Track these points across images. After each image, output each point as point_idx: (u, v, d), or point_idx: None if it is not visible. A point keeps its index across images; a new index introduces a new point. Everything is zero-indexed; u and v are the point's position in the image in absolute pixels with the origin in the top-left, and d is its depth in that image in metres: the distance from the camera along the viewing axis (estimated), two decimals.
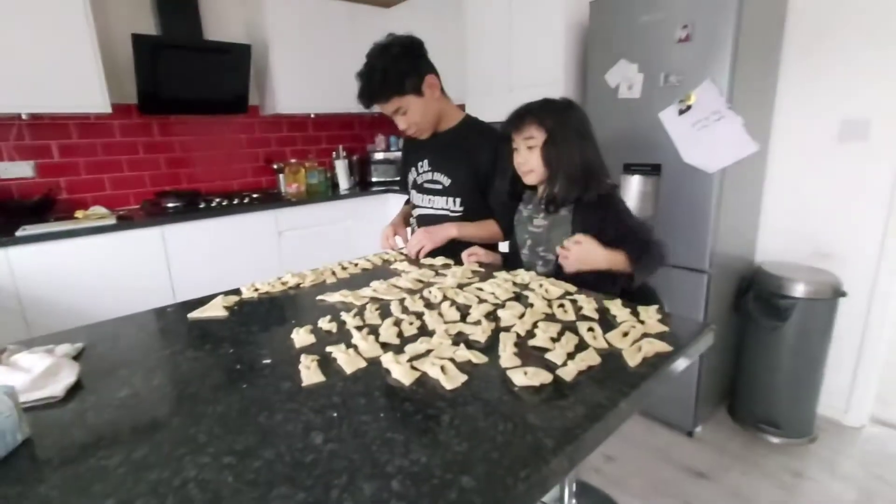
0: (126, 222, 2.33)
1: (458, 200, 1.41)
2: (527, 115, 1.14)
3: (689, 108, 1.69)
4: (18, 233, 2.05)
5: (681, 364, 0.77)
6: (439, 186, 1.43)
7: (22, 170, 2.45)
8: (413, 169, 1.49)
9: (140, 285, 2.35)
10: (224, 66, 2.79)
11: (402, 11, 3.29)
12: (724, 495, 1.64)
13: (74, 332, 0.93)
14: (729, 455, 1.83)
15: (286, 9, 2.92)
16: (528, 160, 1.15)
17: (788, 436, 1.88)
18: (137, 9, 2.66)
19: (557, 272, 1.15)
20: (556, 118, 1.13)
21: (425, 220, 1.48)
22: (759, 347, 1.88)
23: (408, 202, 1.65)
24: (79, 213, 2.40)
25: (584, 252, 1.05)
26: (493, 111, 2.43)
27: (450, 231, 1.36)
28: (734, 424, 2.01)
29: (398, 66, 1.25)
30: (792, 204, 1.98)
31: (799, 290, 1.75)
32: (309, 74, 3.09)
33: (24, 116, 2.32)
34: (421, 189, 1.48)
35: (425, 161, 1.46)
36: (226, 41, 2.90)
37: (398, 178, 3.41)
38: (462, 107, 1.52)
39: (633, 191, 1.91)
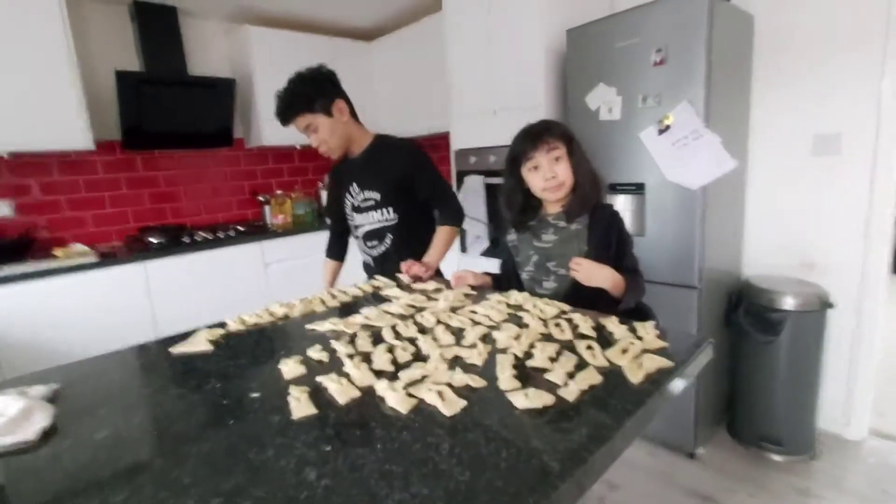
0: (107, 259, 2.27)
1: (390, 209, 1.54)
2: (544, 131, 1.16)
3: (668, 128, 1.73)
4: None
5: (683, 380, 0.76)
6: (372, 202, 1.55)
7: (0, 210, 2.39)
8: (347, 194, 1.62)
9: (122, 323, 2.27)
10: (209, 101, 2.80)
11: (384, 44, 3.37)
12: None
13: (49, 373, 0.89)
14: (733, 476, 1.79)
15: (270, 43, 2.98)
16: (558, 172, 1.15)
17: (790, 452, 1.85)
18: (121, 45, 2.69)
19: (569, 287, 1.16)
20: (566, 129, 1.18)
21: (367, 237, 1.62)
22: (753, 363, 1.88)
23: (327, 258, 1.81)
24: (58, 252, 2.33)
25: (594, 267, 1.09)
26: (478, 134, 2.49)
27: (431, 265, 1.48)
28: (735, 443, 1.98)
29: (308, 87, 1.42)
30: (773, 217, 2.02)
31: (788, 302, 1.76)
32: None
33: (4, 156, 2.28)
34: (359, 209, 1.60)
35: (354, 184, 1.58)
36: (210, 76, 2.94)
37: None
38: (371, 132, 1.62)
39: (619, 210, 1.92)
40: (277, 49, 3.00)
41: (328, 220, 1.78)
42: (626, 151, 1.85)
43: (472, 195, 2.48)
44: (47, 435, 0.67)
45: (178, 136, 2.81)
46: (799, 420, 1.85)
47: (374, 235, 1.58)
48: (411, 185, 1.51)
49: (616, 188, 1.92)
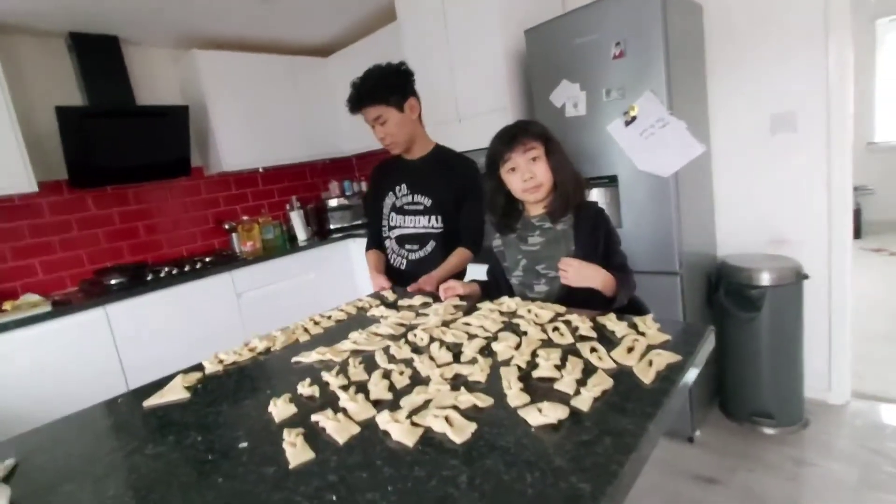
0: (63, 307, 2.11)
1: (439, 218, 1.53)
2: (519, 132, 1.13)
3: (634, 118, 1.75)
4: None
5: (693, 372, 0.74)
6: (421, 207, 1.54)
7: None
8: (391, 193, 1.60)
9: (88, 376, 2.12)
10: (161, 130, 2.67)
11: (341, 59, 3.32)
12: (737, 498, 1.60)
13: (3, 446, 0.79)
14: (731, 454, 1.81)
15: (221, 66, 2.87)
16: (535, 173, 1.13)
17: (782, 424, 1.88)
18: (60, 80, 2.53)
19: (560, 289, 1.13)
20: (543, 129, 1.16)
21: (406, 239, 1.59)
22: (738, 340, 1.91)
23: (370, 249, 1.70)
24: (7, 305, 2.15)
25: (583, 267, 1.06)
26: (445, 142, 2.43)
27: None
28: (729, 422, 2.00)
29: (387, 80, 1.44)
30: (741, 197, 2.07)
31: (765, 278, 1.80)
32: (253, 129, 3.02)
33: None
34: (401, 211, 1.59)
35: (403, 185, 1.57)
36: (161, 104, 2.81)
37: (357, 223, 3.34)
38: None
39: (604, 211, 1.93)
40: (230, 72, 2.90)
41: (366, 216, 1.76)
42: (596, 145, 1.86)
43: None
44: None
45: (131, 169, 2.66)
46: (787, 392, 1.89)
47: (416, 239, 1.57)
48: (461, 200, 1.52)
49: (590, 182, 1.92)
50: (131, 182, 2.76)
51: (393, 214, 1.61)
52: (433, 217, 1.53)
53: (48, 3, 2.14)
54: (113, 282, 2.41)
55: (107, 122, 2.47)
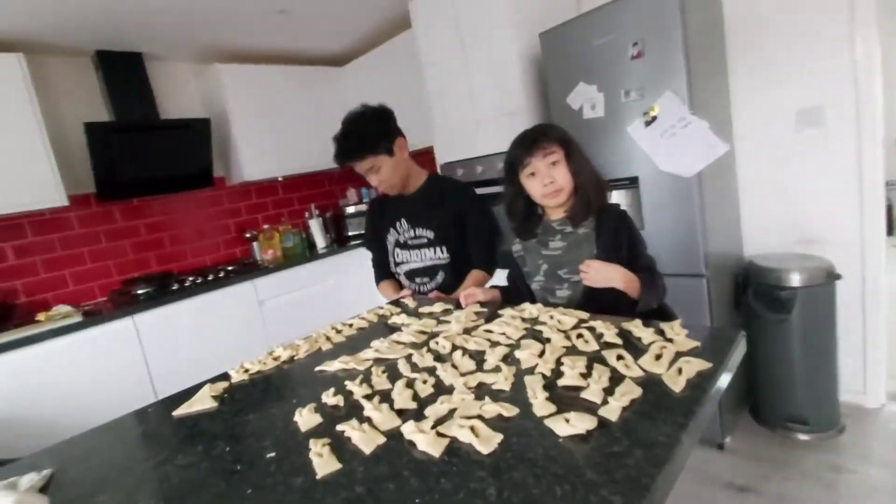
0: (93, 317, 2.17)
1: (444, 248, 1.52)
2: (539, 136, 1.13)
3: (654, 119, 1.72)
4: None
5: (725, 379, 0.71)
6: (424, 240, 1.53)
7: None
8: (392, 230, 1.59)
9: (118, 384, 2.17)
10: (184, 142, 2.74)
11: (356, 68, 3.35)
12: None
13: (41, 456, 0.81)
14: (765, 462, 1.75)
15: (241, 79, 2.94)
16: (556, 177, 1.12)
17: (818, 430, 1.82)
18: (88, 96, 2.62)
19: (583, 293, 1.12)
20: (563, 132, 1.15)
21: (416, 274, 1.58)
22: (768, 344, 1.85)
23: (381, 280, 1.68)
24: (41, 316, 2.23)
25: (604, 267, 1.05)
26: (462, 146, 2.47)
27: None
28: (761, 428, 1.94)
29: (371, 128, 1.39)
30: (767, 196, 2.01)
31: (795, 279, 1.74)
32: (272, 139, 3.07)
33: None
34: (405, 246, 1.57)
35: (402, 220, 1.56)
36: (183, 117, 2.88)
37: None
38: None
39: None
40: (249, 83, 2.97)
41: (370, 252, 1.72)
42: (615, 147, 1.84)
43: None
44: None
45: (156, 181, 2.74)
46: (822, 396, 1.82)
47: (425, 273, 1.56)
48: (464, 225, 1.50)
49: (609, 184, 1.89)
50: (156, 194, 2.83)
51: (398, 251, 1.59)
52: (437, 248, 1.52)
53: (76, 22, 2.22)
54: (140, 291, 2.48)
55: (132, 137, 2.54)
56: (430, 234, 1.52)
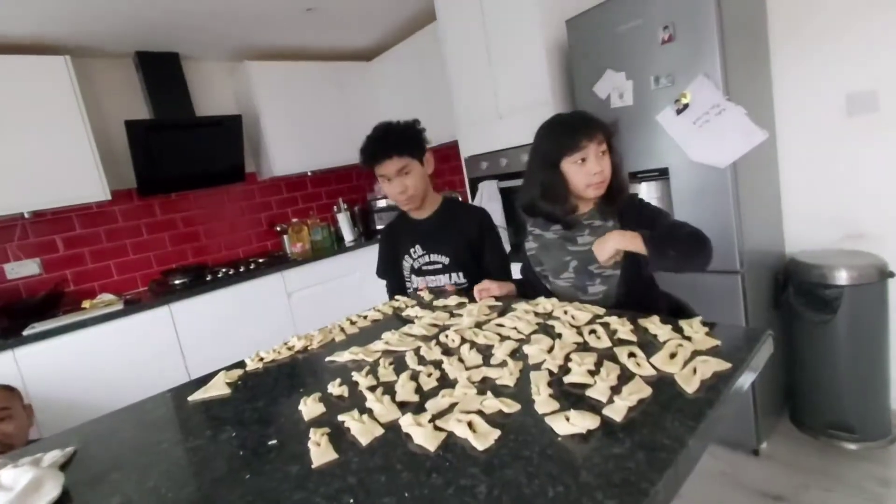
0: (133, 305, 2.29)
1: (460, 274, 1.49)
2: (592, 122, 1.09)
3: (686, 106, 1.63)
4: (26, 332, 2.02)
5: (745, 381, 0.67)
6: (440, 265, 1.50)
7: (28, 268, 2.46)
8: (406, 256, 1.55)
9: (153, 369, 2.28)
10: (218, 139, 2.84)
11: (383, 63, 3.37)
12: None
13: (68, 434, 0.85)
14: (804, 471, 1.65)
15: (272, 76, 3.00)
16: (604, 167, 1.08)
17: (865, 439, 1.69)
18: (130, 97, 2.75)
19: (619, 286, 1.09)
20: (609, 124, 1.12)
21: None
22: (811, 345, 1.73)
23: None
24: (86, 303, 2.37)
25: (602, 238, 1.05)
26: (486, 139, 2.43)
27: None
28: (802, 435, 1.82)
29: (409, 133, 1.40)
30: (812, 188, 1.88)
31: (842, 276, 1.62)
32: (301, 134, 3.13)
33: (26, 215, 2.35)
34: (420, 272, 1.54)
35: (417, 246, 1.52)
36: (217, 114, 2.98)
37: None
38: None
39: (643, 198, 1.82)
40: (279, 80, 3.03)
41: (384, 280, 1.68)
42: (644, 137, 1.76)
43: (487, 201, 2.41)
44: None
45: (192, 176, 2.85)
46: (870, 403, 1.69)
47: None
48: (480, 249, 1.48)
49: (637, 176, 1.82)
50: (192, 189, 2.95)
51: (413, 277, 1.56)
52: (454, 274, 1.48)
53: (119, 25, 2.33)
54: (177, 282, 2.59)
55: (170, 133, 2.65)
56: (446, 260, 1.48)
